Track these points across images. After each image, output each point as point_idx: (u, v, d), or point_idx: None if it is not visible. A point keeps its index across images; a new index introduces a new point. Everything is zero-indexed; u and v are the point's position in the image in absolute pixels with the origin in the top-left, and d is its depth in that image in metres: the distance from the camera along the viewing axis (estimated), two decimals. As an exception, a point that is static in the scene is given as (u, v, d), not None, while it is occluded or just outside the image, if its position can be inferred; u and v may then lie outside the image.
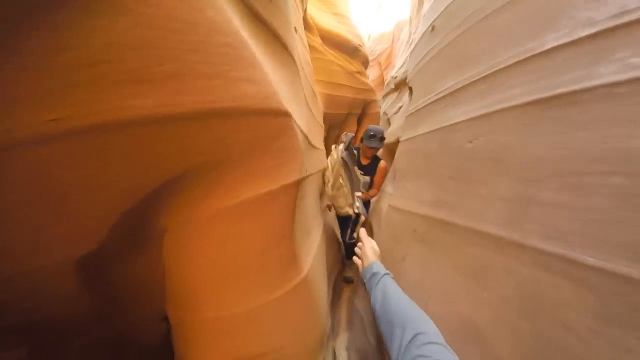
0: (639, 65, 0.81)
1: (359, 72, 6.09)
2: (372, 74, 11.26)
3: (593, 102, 0.90)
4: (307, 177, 1.78)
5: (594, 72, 0.93)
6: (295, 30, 3.01)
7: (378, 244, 1.43)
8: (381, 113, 7.00)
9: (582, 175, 0.85)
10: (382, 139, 2.87)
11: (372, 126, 2.94)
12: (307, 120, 2.16)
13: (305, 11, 4.29)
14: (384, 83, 9.72)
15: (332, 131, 5.96)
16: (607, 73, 0.89)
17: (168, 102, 0.72)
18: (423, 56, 2.62)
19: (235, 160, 1.00)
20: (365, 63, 6.58)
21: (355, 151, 3.03)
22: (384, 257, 1.50)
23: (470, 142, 1.43)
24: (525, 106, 1.13)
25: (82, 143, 0.65)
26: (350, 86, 5.69)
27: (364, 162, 3.06)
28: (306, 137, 1.89)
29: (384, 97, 7.79)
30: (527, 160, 1.05)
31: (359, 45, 5.87)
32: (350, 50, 5.72)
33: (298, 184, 1.27)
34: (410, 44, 4.97)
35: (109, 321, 1.27)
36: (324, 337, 1.79)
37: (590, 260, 0.73)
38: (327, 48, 5.11)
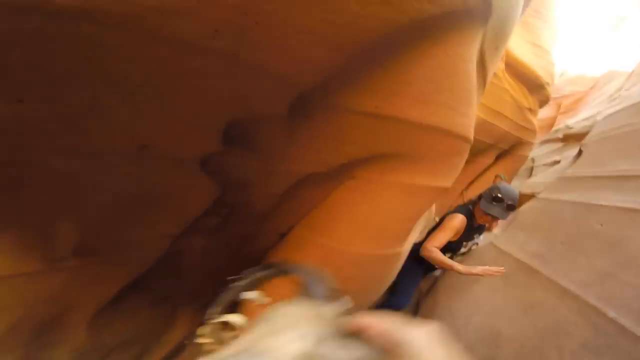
0: None
1: (530, 110, 5.66)
2: (543, 113, 9.88)
3: None
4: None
5: None
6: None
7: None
8: (529, 157, 6.37)
9: None
10: (511, 208, 2.06)
11: (504, 186, 2.14)
12: None
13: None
14: (551, 127, 8.56)
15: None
16: None
17: (424, 117, 1.29)
18: (617, 126, 2.49)
19: (428, 159, 1.53)
20: (543, 103, 6.01)
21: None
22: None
23: (601, 224, 1.61)
24: None
25: (376, 121, 1.29)
26: (511, 120, 5.40)
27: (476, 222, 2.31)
28: None
29: (543, 142, 6.96)
30: (631, 251, 1.29)
31: (546, 83, 5.42)
32: (533, 87, 5.34)
33: (446, 190, 1.73)
34: (613, 101, 4.30)
35: (261, 222, 1.76)
36: (372, 304, 2.27)
37: (611, 314, 1.02)
38: (507, 75, 4.93)
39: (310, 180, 1.57)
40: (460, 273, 1.91)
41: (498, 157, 6.51)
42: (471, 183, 6.68)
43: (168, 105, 0.91)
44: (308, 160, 1.43)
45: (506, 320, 1.46)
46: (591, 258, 1.44)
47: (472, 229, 2.31)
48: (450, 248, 2.31)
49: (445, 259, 2.05)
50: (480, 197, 2.25)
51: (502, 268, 1.71)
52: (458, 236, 2.24)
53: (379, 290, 2.15)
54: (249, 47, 0.84)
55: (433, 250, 2.07)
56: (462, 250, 2.46)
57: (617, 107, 2.98)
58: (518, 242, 2.15)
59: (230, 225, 1.67)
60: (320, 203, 1.78)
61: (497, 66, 1.97)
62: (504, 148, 6.27)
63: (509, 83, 4.95)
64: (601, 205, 1.77)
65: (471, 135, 1.51)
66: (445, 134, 1.40)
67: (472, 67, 1.30)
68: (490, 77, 1.80)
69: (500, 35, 1.49)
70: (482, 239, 2.56)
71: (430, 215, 3.51)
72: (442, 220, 2.32)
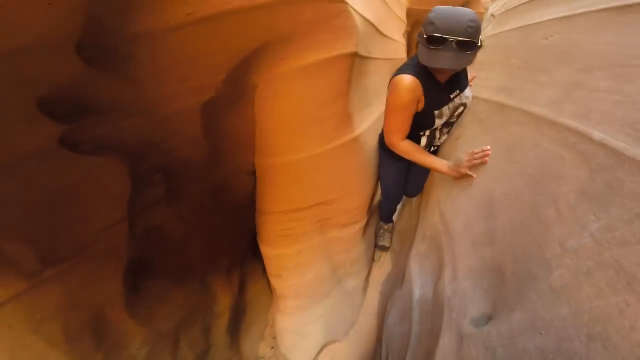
0: None
1: (461, -41, 5.04)
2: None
3: None
4: (369, 58, 1.97)
5: None
6: None
7: None
8: (487, 15, 5.96)
9: (625, 67, 0.90)
10: (466, 44, 1.20)
11: (439, 13, 1.22)
12: (376, 11, 2.24)
13: None
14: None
15: (417, 27, 5.47)
16: None
17: None
18: None
19: (302, 33, 1.33)
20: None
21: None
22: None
23: (546, 38, 1.44)
24: (601, 11, 1.17)
25: (204, 27, 1.07)
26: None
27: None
28: (372, 25, 2.01)
29: None
30: (587, 55, 1.11)
31: None
32: None
33: (353, 56, 1.54)
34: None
35: (213, 170, 1.80)
36: (367, 203, 2.20)
37: (597, 135, 0.84)
38: None
39: (213, 109, 1.44)
40: (444, 174, 1.48)
41: None
42: None
43: None
44: (179, 93, 1.27)
45: (492, 174, 1.31)
46: (549, 73, 1.27)
47: (441, 87, 1.46)
48: (423, 124, 1.53)
49: (418, 154, 1.50)
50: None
51: (488, 148, 1.31)
52: (422, 105, 1.44)
53: (365, 185, 2.11)
54: None
55: (398, 144, 1.50)
56: (441, 121, 1.57)
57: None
58: (481, 82, 1.96)
59: (183, 185, 1.65)
60: (253, 125, 1.69)
61: None
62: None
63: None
64: (540, 22, 1.61)
65: None
66: (295, 2, 1.22)
67: None
68: None
69: None
70: (468, 95, 1.64)
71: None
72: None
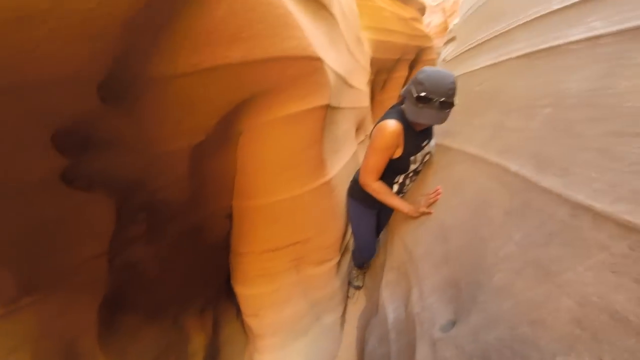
0: (599, 27, 1.06)
1: (413, 19, 5.90)
2: (435, 19, 10.57)
3: (555, 56, 1.21)
4: (339, 108, 2.22)
5: (567, 32, 1.20)
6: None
7: None
8: (440, 60, 6.78)
9: (532, 108, 1.17)
10: (447, 105, 1.40)
11: (429, 74, 1.38)
12: (345, 64, 2.53)
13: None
14: (447, 29, 9.11)
15: (380, 75, 6.06)
16: (576, 33, 1.15)
17: (248, 53, 1.29)
18: (469, 8, 2.79)
19: (285, 87, 1.55)
20: (422, 10, 6.31)
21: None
22: None
23: (479, 85, 1.76)
24: (520, 58, 1.46)
25: (207, 76, 1.25)
26: (402, 32, 5.60)
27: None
28: (342, 78, 2.29)
29: (446, 44, 7.41)
30: (507, 98, 1.40)
31: (413, -10, 5.60)
32: (404, -3, 5.52)
33: (326, 108, 1.77)
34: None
35: (193, 211, 1.87)
36: (339, 241, 2.34)
37: (513, 167, 1.07)
38: (378, -6, 5.02)
39: (201, 152, 1.56)
40: (406, 214, 1.62)
41: (411, 68, 6.90)
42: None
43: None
44: (174, 135, 1.40)
45: (442, 207, 1.51)
46: (481, 116, 1.54)
47: (417, 136, 1.59)
48: (399, 168, 1.65)
49: (387, 195, 1.63)
50: (403, 97, 1.51)
51: (438, 188, 1.52)
52: (401, 150, 1.55)
53: (337, 223, 2.24)
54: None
55: (372, 184, 1.60)
56: (414, 167, 1.70)
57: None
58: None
59: (164, 225, 1.71)
60: (234, 169, 1.82)
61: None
62: (411, 58, 6.66)
63: (382, 1, 5.04)
64: (475, 70, 1.95)
65: (312, 51, 1.53)
66: (283, 60, 1.42)
67: None
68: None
69: None
70: (433, 144, 1.82)
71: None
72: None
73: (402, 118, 1.50)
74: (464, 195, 1.33)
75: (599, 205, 0.69)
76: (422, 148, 1.69)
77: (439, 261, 1.31)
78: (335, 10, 2.18)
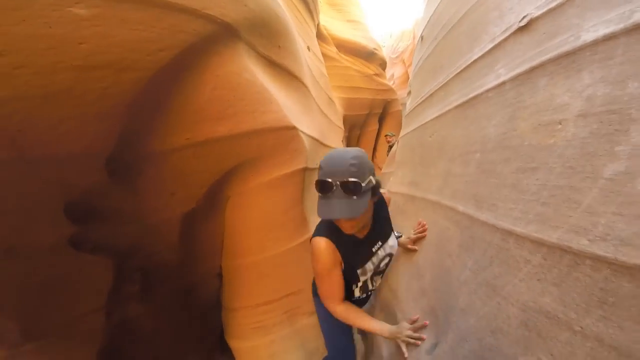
0: (504, 74, 1.22)
1: (376, 74, 6.61)
2: (397, 71, 11.44)
3: (479, 104, 1.38)
4: (317, 168, 2.40)
5: (484, 81, 1.38)
6: (309, 49, 3.67)
7: None
8: (406, 111, 7.37)
9: (468, 154, 1.38)
10: (328, 187, 1.05)
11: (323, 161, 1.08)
12: (319, 127, 2.85)
13: (318, 25, 4.90)
14: (408, 80, 9.93)
15: (353, 131, 6.56)
16: (489, 81, 1.32)
17: (233, 128, 1.52)
18: (417, 62, 3.03)
19: (267, 155, 1.78)
20: (383, 65, 7.06)
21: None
22: None
23: (430, 136, 1.97)
24: (456, 108, 1.65)
25: (198, 149, 1.47)
26: (368, 88, 6.24)
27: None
28: (317, 140, 2.58)
29: (408, 96, 8.13)
30: (451, 147, 1.60)
31: (374, 49, 6.39)
32: (366, 55, 6.27)
33: (304, 170, 2.00)
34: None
35: (185, 272, 1.99)
36: None
37: (460, 208, 1.27)
38: (342, 55, 5.71)
39: (192, 219, 1.72)
40: (386, 338, 1.37)
41: (380, 121, 7.48)
42: (374, 150, 7.56)
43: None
44: (169, 205, 1.57)
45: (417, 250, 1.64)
46: (435, 166, 1.73)
47: (359, 244, 1.32)
48: (349, 280, 1.39)
49: (358, 319, 1.33)
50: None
51: (424, 225, 1.47)
52: (342, 265, 1.31)
53: None
54: (26, 150, 0.97)
55: (336, 309, 1.32)
56: (365, 278, 1.45)
57: (418, 46, 3.56)
58: (399, 179, 2.46)
59: (157, 285, 1.81)
60: (223, 231, 1.97)
61: (298, 58, 2.28)
62: (379, 112, 7.25)
63: (347, 60, 5.73)
64: (427, 122, 2.14)
65: (287, 122, 1.80)
66: (264, 132, 1.67)
67: (252, 74, 1.57)
68: (294, 70, 2.10)
69: (273, 35, 1.79)
70: (393, 244, 1.56)
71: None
72: None
73: (331, 228, 1.24)
74: (430, 236, 1.51)
75: (518, 229, 0.88)
76: (374, 254, 1.40)
77: (418, 295, 1.44)
78: (306, 78, 2.53)
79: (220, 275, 2.17)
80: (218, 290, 2.25)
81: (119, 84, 1.08)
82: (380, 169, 5.76)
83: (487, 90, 1.30)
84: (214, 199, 1.77)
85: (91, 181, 1.22)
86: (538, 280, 0.78)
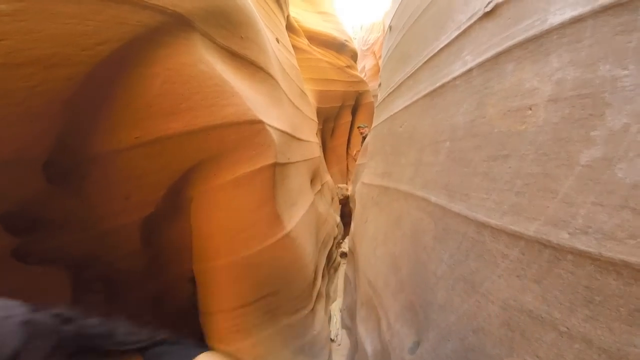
0: (470, 60, 1.19)
1: (348, 66, 6.56)
2: (368, 63, 11.53)
3: (447, 92, 1.33)
4: (289, 163, 2.36)
5: (451, 69, 1.33)
6: (278, 41, 3.54)
7: (354, 214, 1.97)
8: (377, 102, 7.44)
9: (437, 143, 1.34)
10: None
11: None
12: (291, 120, 2.74)
13: (288, 17, 4.76)
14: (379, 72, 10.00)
15: (327, 124, 6.50)
16: (456, 69, 1.28)
17: (188, 124, 1.39)
18: (386, 53, 3.00)
19: (230, 152, 1.65)
20: (354, 57, 7.03)
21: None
22: (356, 223, 1.98)
23: (401, 126, 1.95)
24: (424, 97, 1.60)
25: (150, 148, 1.32)
26: (340, 80, 6.18)
27: None
28: (288, 134, 2.47)
29: (379, 87, 8.21)
30: (421, 136, 1.57)
31: (346, 40, 6.32)
32: (338, 47, 6.19)
33: (274, 166, 1.89)
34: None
35: (152, 279, 1.85)
36: (309, 289, 2.39)
37: (433, 199, 1.24)
38: (314, 47, 5.60)
39: (153, 223, 1.59)
40: None
41: (354, 112, 7.47)
42: (348, 142, 7.58)
43: None
44: (124, 210, 1.43)
45: (390, 241, 1.64)
46: (406, 156, 1.71)
47: None
48: None
49: None
50: None
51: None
52: None
53: (303, 273, 2.30)
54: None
55: None
56: None
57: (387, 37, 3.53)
58: (372, 170, 2.44)
59: (122, 293, 1.67)
60: (189, 235, 1.83)
61: (264, 49, 2.16)
62: (352, 104, 7.23)
63: (318, 52, 5.62)
64: (396, 112, 2.13)
65: (251, 115, 1.68)
66: (224, 127, 1.55)
67: (210, 66, 1.44)
68: (259, 62, 1.98)
69: (234, 25, 1.68)
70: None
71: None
72: None
73: None
74: (404, 227, 1.48)
75: (492, 221, 0.85)
76: None
77: (396, 290, 1.41)
78: (274, 70, 2.41)
79: (193, 280, 2.03)
80: (193, 295, 2.11)
81: (50, 81, 0.96)
82: (355, 161, 5.87)
83: (455, 78, 1.27)
84: (175, 200, 1.65)
85: (28, 189, 1.09)
86: (517, 276, 0.75)
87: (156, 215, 1.55)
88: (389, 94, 2.55)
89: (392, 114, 2.25)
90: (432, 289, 1.08)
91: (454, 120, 1.22)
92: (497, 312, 0.78)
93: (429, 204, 1.25)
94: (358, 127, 5.80)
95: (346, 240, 5.16)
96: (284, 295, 2.13)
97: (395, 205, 1.68)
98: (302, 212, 2.42)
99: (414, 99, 1.76)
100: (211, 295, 1.97)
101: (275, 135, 1.93)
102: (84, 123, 1.13)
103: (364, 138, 5.12)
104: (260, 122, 1.74)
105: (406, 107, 1.90)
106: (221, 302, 1.95)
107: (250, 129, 1.70)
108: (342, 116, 6.95)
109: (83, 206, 1.28)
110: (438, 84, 1.42)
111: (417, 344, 1.15)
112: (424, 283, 1.15)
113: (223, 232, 1.77)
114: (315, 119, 4.89)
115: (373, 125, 3.00)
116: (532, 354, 0.67)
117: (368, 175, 2.60)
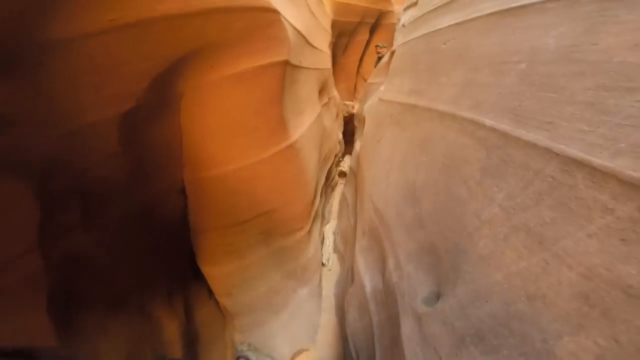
0: None
1: (374, -18, 5.65)
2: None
3: (527, 14, 1.08)
4: (300, 67, 2.03)
5: None
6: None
7: (365, 132, 1.71)
8: (399, 25, 6.66)
9: (504, 64, 1.08)
10: None
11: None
12: (306, 23, 2.30)
13: None
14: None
15: (341, 38, 5.85)
16: None
17: (181, 5, 1.07)
18: None
19: (234, 41, 1.33)
20: (384, -28, 6.01)
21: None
22: (365, 142, 1.76)
23: (445, 43, 1.64)
24: (487, 16, 1.35)
25: (128, 33, 1.01)
26: (363, -4, 5.42)
27: None
28: (302, 36, 2.07)
29: (406, 9, 7.33)
30: (476, 55, 1.30)
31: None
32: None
33: (285, 64, 1.58)
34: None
35: (138, 190, 1.64)
36: (310, 209, 2.23)
37: (488, 122, 1.00)
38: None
39: (133, 121, 1.32)
40: None
41: (372, 31, 6.74)
42: (361, 60, 7.02)
43: None
44: (95, 104, 1.16)
45: (411, 166, 1.45)
46: (448, 75, 1.47)
47: None
48: None
49: None
50: None
51: None
52: None
53: (305, 190, 2.13)
54: None
55: None
56: None
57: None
58: (396, 87, 2.18)
59: (102, 208, 1.50)
60: (179, 138, 1.59)
61: None
62: (372, 22, 6.47)
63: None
64: (440, 29, 1.80)
65: (265, 2, 1.33)
66: (231, 11, 1.21)
67: None
68: None
69: None
70: None
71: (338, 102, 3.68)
72: None
73: None
74: (433, 152, 1.26)
75: (597, 160, 0.62)
76: None
77: (413, 225, 1.25)
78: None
79: (184, 192, 1.86)
80: (184, 209, 1.94)
81: None
82: (366, 80, 5.45)
83: (548, 1, 1.01)
84: (162, 95, 1.36)
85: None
86: (622, 240, 0.55)
87: (138, 111, 1.28)
88: (430, 11, 2.18)
89: (432, 30, 1.91)
90: (470, 234, 0.90)
91: (538, 42, 0.97)
92: (575, 279, 0.60)
93: (480, 128, 1.00)
94: (376, 46, 5.24)
95: (345, 159, 5.00)
96: (281, 215, 2.00)
97: (425, 126, 1.44)
98: (309, 123, 2.18)
99: (472, 16, 1.48)
100: (203, 211, 1.81)
101: (290, 32, 1.57)
102: (36, 4, 0.82)
103: (379, 59, 4.66)
104: (275, 11, 1.38)
105: (458, 24, 1.59)
106: (214, 219, 1.80)
107: (263, 18, 1.35)
108: (358, 33, 6.27)
109: (41, 100, 1.01)
110: (515, 4, 1.16)
111: (437, 295, 1.02)
112: (458, 225, 0.96)
113: (218, 136, 1.52)
114: (330, 30, 4.35)
115: (400, 42, 2.60)
116: (610, 337, 0.53)
117: (389, 92, 2.29)
